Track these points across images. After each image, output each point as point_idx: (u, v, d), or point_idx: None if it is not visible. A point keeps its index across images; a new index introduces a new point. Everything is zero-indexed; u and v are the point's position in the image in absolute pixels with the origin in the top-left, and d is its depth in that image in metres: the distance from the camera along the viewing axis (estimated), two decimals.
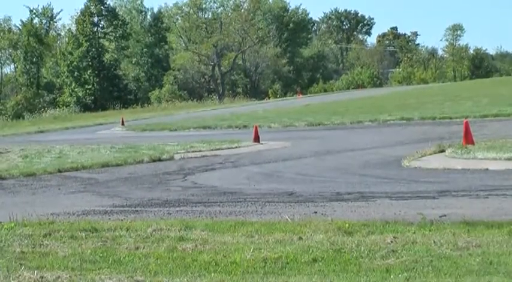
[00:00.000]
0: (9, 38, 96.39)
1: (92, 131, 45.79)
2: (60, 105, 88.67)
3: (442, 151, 20.44)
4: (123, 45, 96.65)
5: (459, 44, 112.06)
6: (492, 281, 7.40)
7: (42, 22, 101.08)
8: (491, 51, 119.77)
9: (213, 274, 8.14)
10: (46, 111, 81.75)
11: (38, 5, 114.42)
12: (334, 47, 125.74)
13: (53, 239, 10.38)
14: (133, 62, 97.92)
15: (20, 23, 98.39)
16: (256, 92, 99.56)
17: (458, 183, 14.97)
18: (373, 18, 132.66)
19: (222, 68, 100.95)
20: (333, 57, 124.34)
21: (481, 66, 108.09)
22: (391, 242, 9.19)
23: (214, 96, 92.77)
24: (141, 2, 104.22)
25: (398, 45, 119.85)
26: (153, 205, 14.35)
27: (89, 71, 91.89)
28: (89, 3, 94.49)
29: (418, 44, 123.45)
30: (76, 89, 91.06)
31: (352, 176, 17.73)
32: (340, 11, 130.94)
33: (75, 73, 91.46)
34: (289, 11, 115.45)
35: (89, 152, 27.56)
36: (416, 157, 19.79)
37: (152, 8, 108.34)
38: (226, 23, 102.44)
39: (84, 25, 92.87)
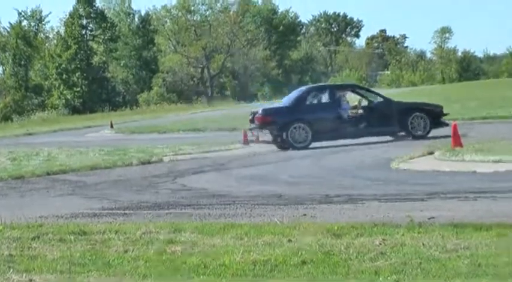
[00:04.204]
0: None
1: (80, 134, 45.68)
2: (49, 108, 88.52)
3: (431, 153, 20.46)
4: (111, 47, 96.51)
5: (447, 47, 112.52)
6: None
7: (31, 24, 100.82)
8: (479, 54, 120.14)
9: (202, 276, 8.13)
10: (34, 114, 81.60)
11: (27, 8, 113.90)
12: (323, 50, 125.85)
13: (41, 242, 10.35)
14: (121, 65, 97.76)
15: (9, 25, 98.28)
16: (245, 95, 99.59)
17: (447, 186, 14.98)
18: (361, 21, 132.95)
19: (211, 70, 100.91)
20: (321, 60, 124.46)
21: (469, 68, 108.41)
22: (380, 244, 9.18)
23: (203, 99, 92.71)
24: (129, 5, 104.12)
25: (387, 47, 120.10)
26: (142, 208, 14.32)
27: (77, 74, 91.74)
28: (77, 6, 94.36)
29: (407, 47, 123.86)
30: (64, 92, 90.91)
31: (341, 178, 17.74)
32: (329, 13, 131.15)
33: (64, 75, 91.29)
34: (278, 13, 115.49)
35: (77, 154, 27.50)
36: (405, 159, 19.80)
37: (139, 11, 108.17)
38: (215, 25, 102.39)
39: (73, 27, 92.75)
